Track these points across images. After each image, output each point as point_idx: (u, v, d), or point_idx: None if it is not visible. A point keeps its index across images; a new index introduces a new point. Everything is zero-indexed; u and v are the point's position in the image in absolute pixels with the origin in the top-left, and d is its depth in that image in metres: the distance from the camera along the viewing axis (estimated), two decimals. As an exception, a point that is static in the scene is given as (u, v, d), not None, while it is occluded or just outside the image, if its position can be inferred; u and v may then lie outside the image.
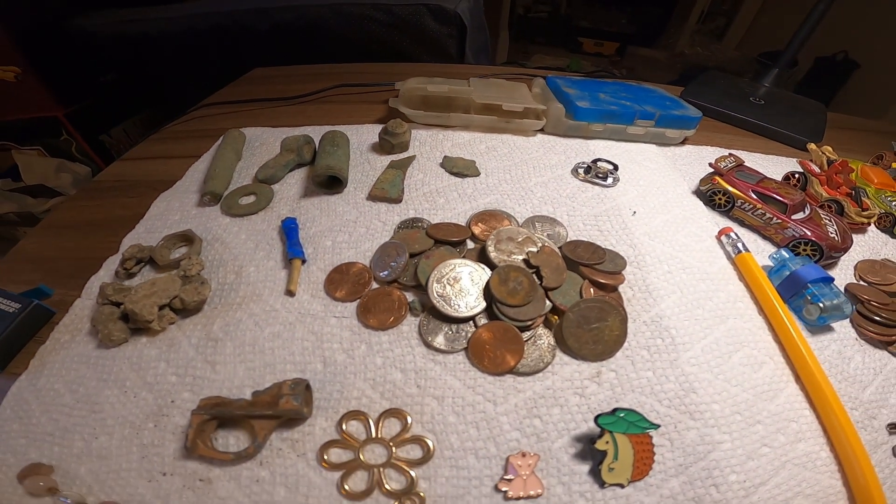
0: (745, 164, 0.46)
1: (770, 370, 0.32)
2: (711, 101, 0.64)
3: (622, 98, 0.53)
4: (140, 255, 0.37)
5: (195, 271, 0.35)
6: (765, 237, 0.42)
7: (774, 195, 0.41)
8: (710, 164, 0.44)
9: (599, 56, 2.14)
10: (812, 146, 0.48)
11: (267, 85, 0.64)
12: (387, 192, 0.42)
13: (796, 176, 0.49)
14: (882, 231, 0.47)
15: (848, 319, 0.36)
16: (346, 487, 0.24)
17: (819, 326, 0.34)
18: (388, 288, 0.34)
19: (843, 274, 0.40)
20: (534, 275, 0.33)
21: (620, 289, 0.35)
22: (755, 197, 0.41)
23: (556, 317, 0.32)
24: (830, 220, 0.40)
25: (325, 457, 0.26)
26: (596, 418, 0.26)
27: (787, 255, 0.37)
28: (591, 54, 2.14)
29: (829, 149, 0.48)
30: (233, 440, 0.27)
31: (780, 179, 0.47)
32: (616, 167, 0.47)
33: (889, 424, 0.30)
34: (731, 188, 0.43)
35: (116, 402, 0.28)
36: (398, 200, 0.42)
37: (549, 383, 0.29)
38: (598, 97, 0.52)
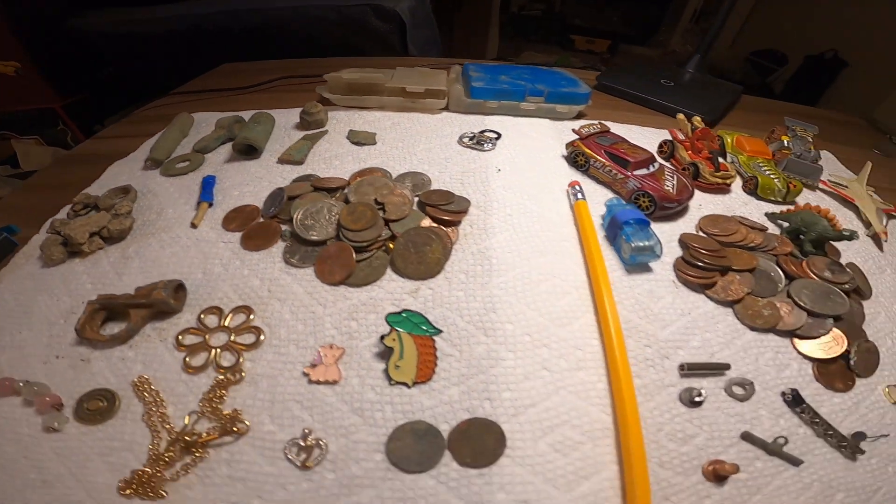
0: (612, 131, 0.51)
1: (572, 300, 0.36)
2: (622, 84, 0.69)
3: (522, 79, 0.59)
4: (87, 201, 0.46)
5: (124, 211, 0.44)
6: (614, 192, 0.47)
7: (621, 154, 0.46)
8: (573, 130, 0.50)
9: (590, 53, 2.18)
10: (680, 116, 0.53)
11: (230, 77, 0.74)
12: (292, 156, 0.50)
13: (666, 144, 0.53)
14: (748, 193, 0.51)
15: (673, 265, 0.39)
16: (188, 363, 0.31)
17: (633, 265, 0.39)
18: (269, 221, 0.41)
19: (684, 225, 0.44)
20: (379, 210, 0.40)
21: (461, 226, 0.41)
22: (606, 156, 0.47)
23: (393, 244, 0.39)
24: (672, 178, 0.45)
25: (180, 339, 0.33)
26: (386, 316, 0.32)
27: (615, 202, 0.42)
28: (582, 51, 2.19)
29: (699, 119, 0.52)
30: (117, 330, 0.34)
31: (653, 148, 0.52)
32: (499, 136, 0.53)
33: (680, 365, 0.32)
34: (587, 150, 0.48)
35: (43, 306, 0.36)
36: (301, 163, 0.49)
37: (374, 294, 0.36)
38: (497, 78, 0.58)
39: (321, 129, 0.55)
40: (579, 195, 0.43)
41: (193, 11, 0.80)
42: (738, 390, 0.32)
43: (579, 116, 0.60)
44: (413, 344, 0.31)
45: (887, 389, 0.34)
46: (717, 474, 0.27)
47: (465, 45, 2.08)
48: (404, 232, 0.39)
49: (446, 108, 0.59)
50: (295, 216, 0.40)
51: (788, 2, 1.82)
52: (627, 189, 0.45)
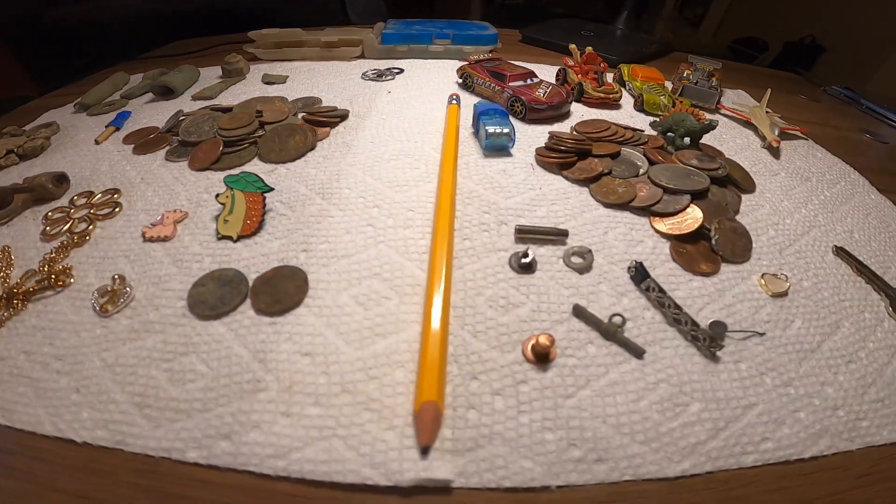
0: (503, 60, 0.53)
1: (419, 173, 0.37)
2: (542, 34, 0.72)
3: (435, 27, 0.63)
4: (14, 132, 0.50)
5: (40, 136, 0.48)
6: (495, 103, 0.49)
7: (499, 70, 0.48)
8: (463, 59, 0.52)
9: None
10: (571, 46, 0.55)
11: (181, 50, 0.80)
12: (204, 93, 0.54)
13: (560, 71, 0.55)
14: (637, 111, 0.52)
15: (535, 152, 0.40)
16: (48, 230, 0.33)
17: (491, 150, 0.40)
18: (164, 135, 0.45)
19: (562, 128, 0.46)
20: (259, 117, 0.43)
21: (337, 129, 0.44)
22: (488, 74, 0.49)
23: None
24: (547, 88, 0.47)
25: (49, 215, 0.35)
26: (224, 178, 0.33)
27: (483, 103, 0.44)
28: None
29: (591, 49, 0.54)
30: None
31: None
32: (402, 71, 0.56)
33: (517, 227, 0.31)
34: (472, 71, 0.50)
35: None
36: (212, 98, 0.53)
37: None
38: (410, 26, 0.62)
39: (240, 77, 0.59)
40: (454, 101, 0.45)
41: None
42: (576, 260, 0.31)
43: (490, 60, 0.63)
44: (244, 200, 0.33)
45: (764, 279, 0.31)
46: (537, 352, 0.24)
47: None
48: (273, 128, 0.42)
49: (362, 57, 0.62)
50: (181, 126, 0.43)
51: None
52: (504, 98, 0.47)
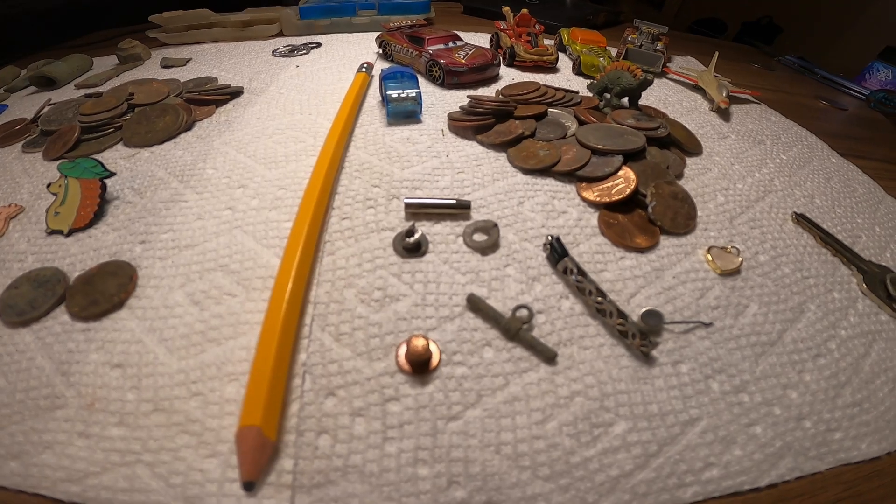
0: (429, 26, 0.47)
1: (303, 146, 0.31)
2: (485, 3, 0.66)
3: (363, 1, 0.57)
4: None
5: None
6: (417, 70, 0.42)
7: (417, 34, 0.42)
8: (382, 25, 0.46)
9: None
10: (505, 8, 0.49)
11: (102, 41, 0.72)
12: (90, 81, 0.46)
13: (494, 35, 0.49)
14: (576, 74, 0.46)
15: (446, 119, 0.34)
16: None
17: (397, 118, 0.34)
18: (28, 125, 0.37)
19: (487, 93, 0.40)
20: (129, 100, 0.36)
21: (225, 107, 0.37)
22: (406, 40, 0.43)
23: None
24: (470, 50, 0.41)
25: None
26: (58, 165, 0.27)
27: (395, 67, 0.38)
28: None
29: (526, 11, 0.49)
30: None
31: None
32: (319, 45, 0.50)
33: (406, 202, 0.26)
34: (390, 39, 0.44)
35: None
36: (97, 86, 0.46)
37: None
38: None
39: (137, 63, 0.52)
40: (363, 69, 0.39)
41: None
42: (478, 238, 0.24)
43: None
44: (78, 189, 0.26)
45: (711, 254, 0.25)
46: (412, 360, 0.18)
47: None
48: (141, 108, 0.35)
49: (281, 35, 0.56)
50: (44, 114, 0.36)
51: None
52: (422, 63, 0.41)
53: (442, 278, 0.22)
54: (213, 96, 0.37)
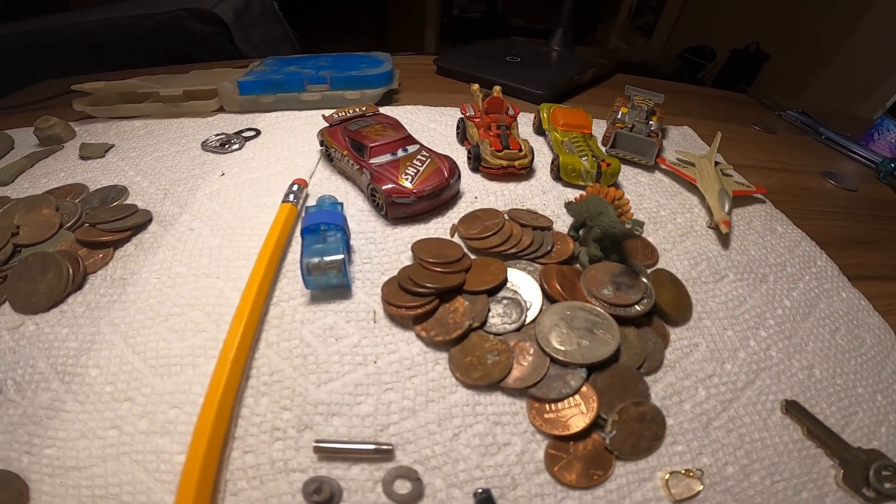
0: (381, 113, 0.38)
1: (203, 338, 0.24)
2: (458, 64, 0.57)
3: (315, 67, 0.48)
4: None
5: None
6: (360, 189, 0.35)
7: (360, 139, 0.34)
8: (323, 116, 0.38)
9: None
10: (474, 87, 0.40)
11: (36, 95, 0.64)
12: (0, 178, 0.39)
13: (460, 122, 0.41)
14: (554, 179, 0.38)
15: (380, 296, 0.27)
16: None
17: (316, 290, 0.26)
18: None
19: (438, 228, 0.32)
20: (13, 237, 0.29)
21: (126, 246, 0.30)
22: (348, 143, 0.35)
23: None
24: (422, 164, 0.32)
25: None
26: None
27: (327, 200, 0.30)
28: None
29: (498, 89, 0.40)
30: None
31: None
32: (258, 133, 0.42)
33: (316, 444, 0.20)
34: (329, 139, 0.36)
35: None
36: (5, 184, 0.38)
37: None
38: (280, 70, 0.47)
39: (57, 146, 0.44)
40: (290, 197, 0.31)
41: (20, 29, 0.70)
42: (400, 487, 0.20)
43: (384, 103, 0.49)
44: None
45: (668, 482, 0.20)
46: None
47: (400, 50, 1.99)
48: (23, 259, 0.28)
49: (222, 111, 0.48)
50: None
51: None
52: (363, 183, 0.33)
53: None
54: (110, 235, 0.29)
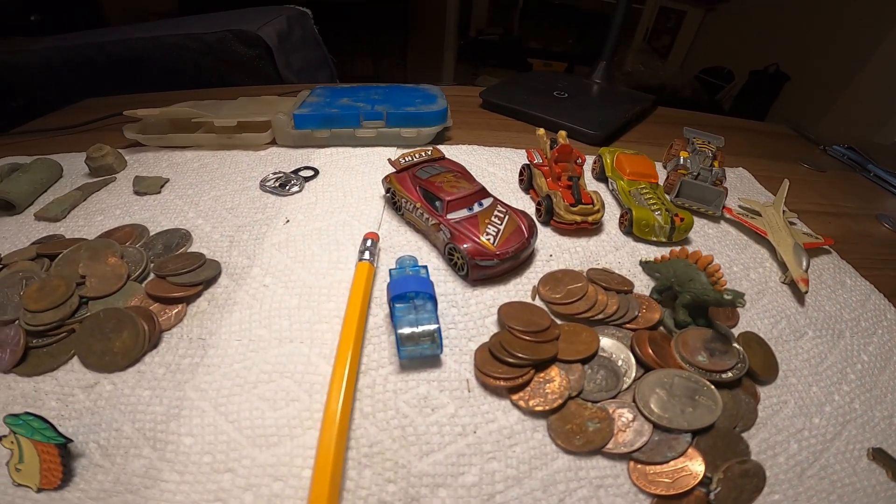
0: (447, 158, 0.38)
1: (297, 409, 0.23)
2: (505, 99, 0.56)
3: (369, 101, 0.47)
4: None
5: None
6: (433, 245, 0.33)
7: (433, 190, 0.33)
8: (389, 161, 0.37)
9: (548, 76, 2.08)
10: (540, 131, 0.39)
11: (81, 114, 0.63)
12: (49, 211, 0.38)
13: (525, 170, 0.40)
14: (624, 233, 0.37)
15: (473, 356, 0.26)
16: None
17: (407, 360, 0.25)
18: None
19: (518, 290, 0.31)
20: (79, 287, 0.28)
21: (197, 302, 0.29)
22: (419, 194, 0.34)
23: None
24: (501, 221, 0.31)
25: None
26: (4, 417, 0.20)
27: (405, 263, 0.29)
28: (541, 75, 2.08)
29: (563, 134, 0.39)
30: None
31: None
32: (316, 173, 0.41)
33: None
34: (398, 187, 0.35)
35: None
36: (57, 219, 0.37)
37: (42, 386, 0.24)
38: (334, 102, 0.46)
39: (109, 177, 0.43)
40: (366, 255, 0.30)
41: (66, 44, 0.70)
42: None
43: (438, 141, 0.48)
44: (34, 450, 0.20)
45: None
46: None
47: (419, 70, 1.99)
48: (93, 314, 0.27)
49: (275, 143, 0.47)
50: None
51: (732, 19, 1.72)
52: (439, 240, 0.32)
53: None
54: (183, 290, 0.28)
